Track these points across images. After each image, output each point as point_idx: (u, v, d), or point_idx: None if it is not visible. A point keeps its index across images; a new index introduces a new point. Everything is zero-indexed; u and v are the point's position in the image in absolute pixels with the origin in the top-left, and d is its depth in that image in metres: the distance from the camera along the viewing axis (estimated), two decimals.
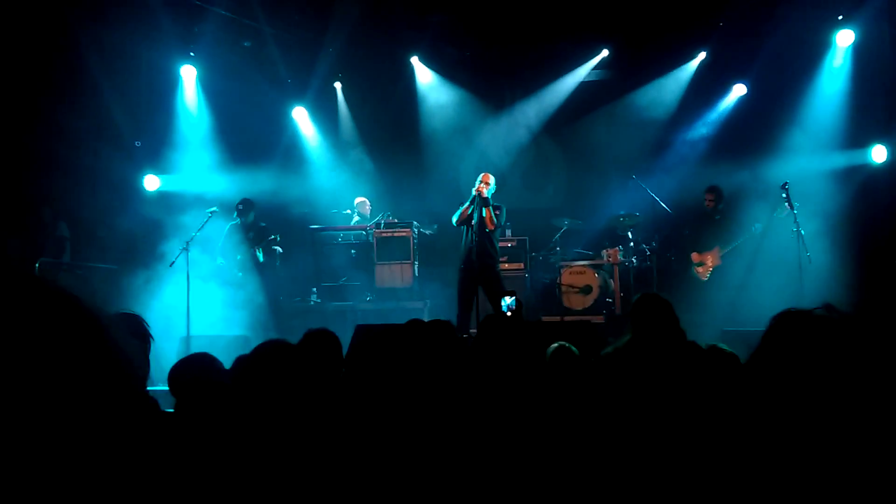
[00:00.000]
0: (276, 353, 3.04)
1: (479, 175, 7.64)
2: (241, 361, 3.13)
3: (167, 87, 9.48)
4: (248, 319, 7.93)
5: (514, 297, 6.14)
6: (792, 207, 7.25)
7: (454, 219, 7.59)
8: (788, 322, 0.96)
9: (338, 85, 10.94)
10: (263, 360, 3.04)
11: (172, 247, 7.83)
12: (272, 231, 8.76)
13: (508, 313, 6.01)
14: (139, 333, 2.79)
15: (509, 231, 9.48)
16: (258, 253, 8.46)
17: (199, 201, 8.79)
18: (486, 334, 3.55)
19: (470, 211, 7.45)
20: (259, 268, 8.50)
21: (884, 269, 7.33)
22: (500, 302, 7.33)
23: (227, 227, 8.51)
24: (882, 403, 0.85)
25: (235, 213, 8.61)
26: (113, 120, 8.53)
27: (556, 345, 4.17)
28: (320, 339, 4.05)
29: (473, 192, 7.48)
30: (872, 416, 0.85)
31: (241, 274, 8.37)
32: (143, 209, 9.03)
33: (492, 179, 7.61)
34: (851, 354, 0.88)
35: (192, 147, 9.52)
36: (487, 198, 7.48)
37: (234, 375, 3.03)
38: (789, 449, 0.91)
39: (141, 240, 8.67)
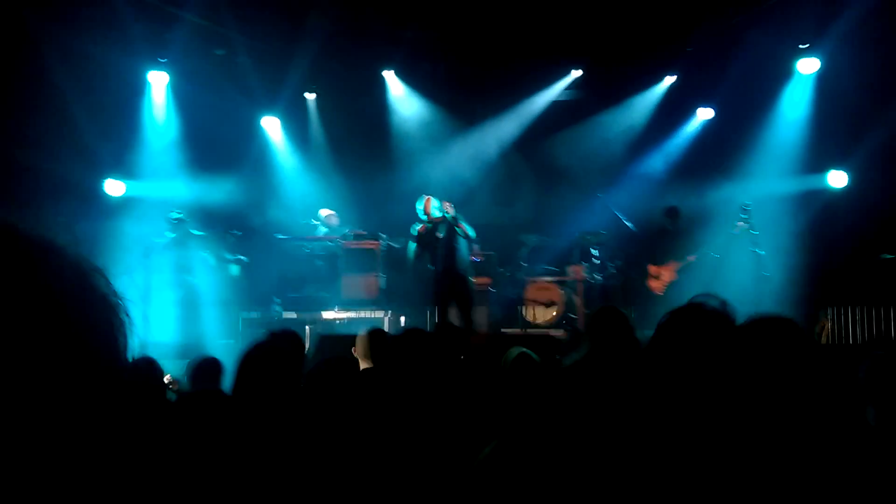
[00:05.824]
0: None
1: (421, 201, 7.64)
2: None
3: (135, 92, 9.35)
4: (205, 327, 7.80)
5: None
6: (752, 228, 7.39)
7: (410, 254, 7.66)
8: (677, 316, 0.97)
9: (310, 96, 10.92)
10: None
11: (135, 253, 7.70)
12: (213, 239, 8.51)
13: None
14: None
15: (477, 245, 9.51)
16: (209, 260, 8.28)
17: (165, 207, 8.64)
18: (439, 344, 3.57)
19: (441, 234, 7.50)
20: (210, 275, 8.30)
21: (839, 291, 7.50)
22: (469, 315, 7.45)
23: (166, 240, 8.17)
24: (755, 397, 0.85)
25: (172, 227, 8.21)
26: (76, 124, 8.37)
27: (516, 351, 4.16)
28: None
29: (439, 214, 7.51)
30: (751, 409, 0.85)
31: (192, 281, 8.16)
32: (107, 214, 8.86)
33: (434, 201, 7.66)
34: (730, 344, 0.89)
35: (159, 153, 9.38)
36: (455, 215, 7.54)
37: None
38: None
39: (103, 245, 8.49)
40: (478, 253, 8.72)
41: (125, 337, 0.65)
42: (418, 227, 7.59)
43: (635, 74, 10.34)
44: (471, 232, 7.59)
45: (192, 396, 2.84)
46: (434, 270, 7.56)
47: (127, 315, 0.67)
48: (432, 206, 7.55)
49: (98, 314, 0.64)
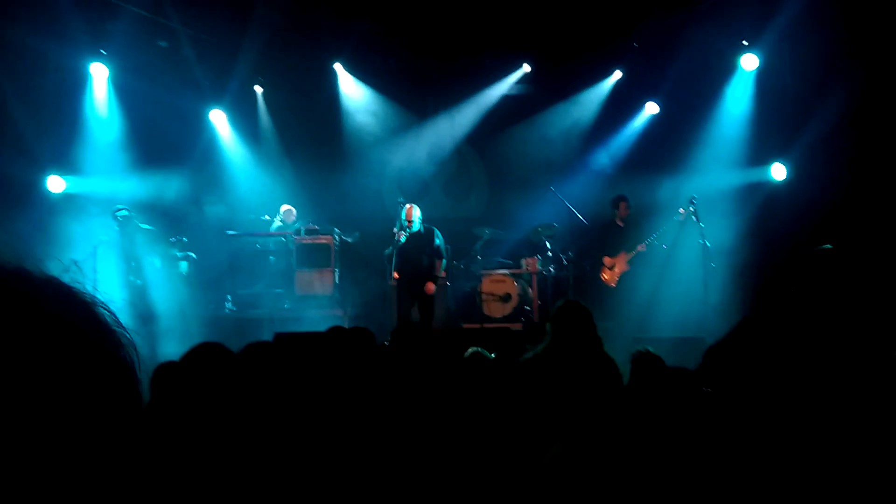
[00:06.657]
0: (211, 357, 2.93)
1: (403, 209, 7.74)
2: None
3: (75, 85, 8.98)
4: (158, 329, 7.60)
5: None
6: (698, 220, 7.63)
7: (388, 259, 7.80)
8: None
9: (258, 88, 10.73)
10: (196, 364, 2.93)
11: (78, 252, 7.42)
12: (161, 234, 8.34)
13: None
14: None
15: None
16: (154, 260, 8.07)
17: (108, 204, 8.36)
18: (399, 342, 3.59)
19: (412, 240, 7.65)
20: (158, 274, 8.09)
21: (781, 278, 7.79)
22: (430, 317, 7.58)
23: (109, 236, 7.95)
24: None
25: (118, 222, 7.99)
26: (13, 118, 8.01)
27: (471, 350, 4.25)
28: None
29: (418, 226, 7.70)
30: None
31: (139, 282, 7.94)
32: (47, 212, 8.53)
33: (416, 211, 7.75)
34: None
35: (102, 148, 9.04)
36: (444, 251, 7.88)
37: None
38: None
39: (43, 244, 8.17)
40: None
41: (136, 373, 0.67)
42: (396, 230, 7.67)
43: (583, 69, 10.50)
44: (442, 266, 7.91)
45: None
46: (400, 271, 7.66)
47: (136, 350, 0.66)
48: (413, 215, 7.64)
49: (110, 350, 0.65)
